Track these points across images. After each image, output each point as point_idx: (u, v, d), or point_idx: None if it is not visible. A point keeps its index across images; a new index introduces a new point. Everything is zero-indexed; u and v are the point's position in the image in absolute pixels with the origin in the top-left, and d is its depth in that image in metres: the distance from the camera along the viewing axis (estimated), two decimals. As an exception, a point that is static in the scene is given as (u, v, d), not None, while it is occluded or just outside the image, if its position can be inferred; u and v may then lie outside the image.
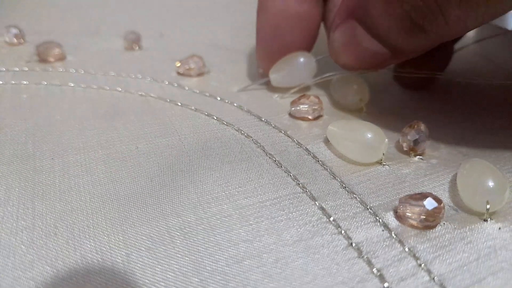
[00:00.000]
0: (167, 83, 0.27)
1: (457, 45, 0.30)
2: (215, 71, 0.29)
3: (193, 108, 0.24)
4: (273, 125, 0.23)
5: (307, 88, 0.27)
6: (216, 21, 0.41)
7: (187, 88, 0.26)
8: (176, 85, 0.27)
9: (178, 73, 0.28)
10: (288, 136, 0.22)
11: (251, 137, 0.21)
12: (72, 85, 0.26)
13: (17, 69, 0.27)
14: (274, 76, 0.26)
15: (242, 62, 0.31)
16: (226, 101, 0.25)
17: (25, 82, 0.26)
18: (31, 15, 0.39)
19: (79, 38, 0.33)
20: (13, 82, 0.26)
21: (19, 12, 0.40)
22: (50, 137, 0.21)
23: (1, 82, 0.26)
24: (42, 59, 0.29)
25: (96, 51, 0.31)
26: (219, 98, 0.25)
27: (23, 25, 0.32)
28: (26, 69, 0.27)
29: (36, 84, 0.26)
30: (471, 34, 0.36)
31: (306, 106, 0.23)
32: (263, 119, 0.23)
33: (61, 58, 0.29)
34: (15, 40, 0.31)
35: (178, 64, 0.28)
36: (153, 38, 0.34)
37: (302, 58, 0.25)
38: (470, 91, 0.29)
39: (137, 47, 0.32)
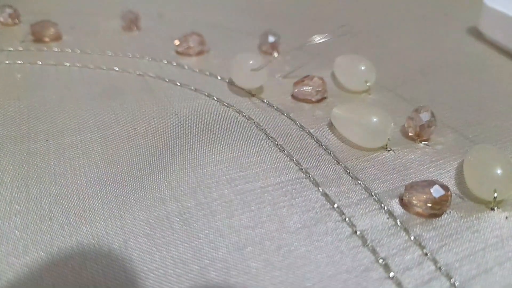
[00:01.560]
0: (165, 62, 0.26)
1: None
2: (215, 50, 0.28)
3: (192, 88, 0.23)
4: (275, 107, 0.22)
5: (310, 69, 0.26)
6: (214, 0, 0.40)
7: (186, 67, 0.26)
8: (175, 64, 0.26)
9: (177, 52, 0.28)
10: (291, 119, 0.21)
11: (253, 119, 0.21)
12: (68, 64, 0.25)
13: (12, 49, 0.26)
14: None
15: (243, 40, 0.30)
16: (227, 80, 0.24)
17: (19, 62, 0.25)
18: None
19: (76, 18, 0.32)
20: (7, 62, 0.25)
21: None
22: (45, 118, 0.20)
23: None
24: (37, 39, 0.28)
25: (93, 31, 0.30)
26: (219, 78, 0.25)
27: (18, 5, 0.31)
28: (21, 49, 0.27)
29: (31, 64, 0.25)
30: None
31: (309, 87, 0.23)
32: (265, 101, 0.23)
33: (57, 38, 0.28)
34: (9, 20, 0.30)
35: (177, 43, 0.27)
36: (152, 18, 0.33)
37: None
38: (478, 75, 0.28)
39: (136, 28, 0.31)
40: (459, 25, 0.36)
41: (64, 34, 0.29)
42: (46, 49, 0.27)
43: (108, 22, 0.31)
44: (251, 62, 0.23)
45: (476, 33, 0.34)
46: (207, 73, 0.25)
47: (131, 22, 0.31)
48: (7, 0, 0.32)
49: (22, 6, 0.32)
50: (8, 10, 0.30)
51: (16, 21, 0.30)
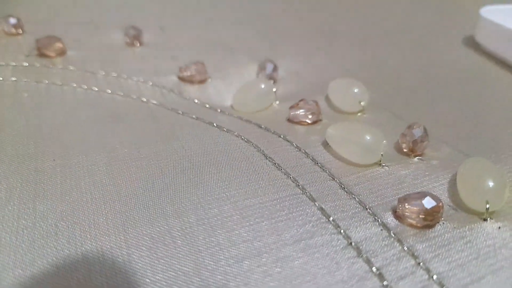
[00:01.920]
0: (168, 90, 0.27)
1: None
2: (215, 77, 0.29)
3: (194, 116, 0.24)
4: (272, 131, 0.23)
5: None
6: (217, 15, 0.41)
7: (187, 98, 0.26)
8: (177, 92, 0.27)
9: (180, 78, 0.28)
10: (287, 141, 0.22)
11: (251, 142, 0.22)
12: (74, 85, 0.26)
13: (17, 63, 0.27)
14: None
15: (242, 65, 0.31)
16: (226, 113, 0.25)
17: (25, 80, 0.26)
18: (29, 5, 0.38)
19: (79, 30, 0.33)
20: (13, 79, 0.26)
21: (17, 2, 0.39)
22: (51, 138, 0.21)
23: (0, 78, 0.26)
24: (42, 54, 0.28)
25: (97, 46, 0.31)
26: (219, 110, 0.25)
27: (21, 15, 0.32)
28: (26, 64, 0.27)
29: (37, 82, 0.26)
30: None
31: (304, 110, 0.23)
32: (262, 126, 0.23)
33: (62, 53, 0.29)
34: (13, 30, 0.30)
35: (180, 72, 0.28)
36: (154, 32, 0.34)
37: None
38: (470, 90, 0.28)
39: (138, 43, 0.32)
40: (456, 36, 0.37)
41: (69, 49, 0.29)
42: (51, 66, 0.27)
43: (111, 34, 0.32)
44: (263, 86, 0.25)
45: (473, 44, 0.34)
46: (207, 106, 0.26)
47: (134, 38, 0.31)
48: (10, 10, 0.33)
49: (26, 16, 0.32)
50: (12, 20, 0.30)
51: (20, 31, 0.30)
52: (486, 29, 0.32)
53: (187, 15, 0.40)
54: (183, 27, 0.37)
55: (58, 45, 0.29)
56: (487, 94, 0.28)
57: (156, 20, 0.37)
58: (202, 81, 0.29)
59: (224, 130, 0.23)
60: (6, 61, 0.27)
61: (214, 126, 0.23)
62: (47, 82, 0.26)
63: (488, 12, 0.32)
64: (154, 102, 0.25)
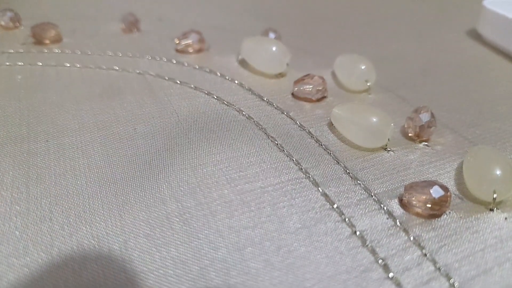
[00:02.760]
0: (165, 60, 0.26)
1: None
2: (215, 48, 0.28)
3: (192, 86, 0.23)
4: (275, 106, 0.22)
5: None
6: (215, 2, 0.40)
7: (186, 64, 0.26)
8: (175, 61, 0.26)
9: (177, 50, 0.28)
10: (291, 118, 0.21)
11: (253, 119, 0.21)
12: (68, 65, 0.25)
13: (12, 51, 0.26)
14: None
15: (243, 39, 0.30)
16: (227, 77, 0.24)
17: (20, 63, 0.25)
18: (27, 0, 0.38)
19: (76, 21, 0.32)
20: (8, 64, 0.25)
21: None
22: (45, 119, 0.20)
23: None
24: (38, 41, 0.28)
25: (94, 33, 0.30)
26: (219, 74, 0.25)
27: (19, 9, 0.31)
28: (22, 51, 0.26)
29: (31, 65, 0.25)
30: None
31: (310, 86, 0.23)
32: (265, 99, 0.23)
33: (57, 40, 0.28)
34: (10, 24, 0.30)
35: (177, 41, 0.27)
36: (152, 22, 0.33)
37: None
38: (473, 79, 0.28)
39: (136, 30, 0.31)
40: (459, 27, 0.36)
41: (65, 37, 0.29)
42: (46, 51, 0.27)
43: (108, 25, 0.31)
44: (274, 49, 0.25)
45: (475, 35, 0.34)
46: (207, 69, 0.25)
47: (131, 24, 0.31)
48: (8, 4, 0.32)
49: (23, 10, 0.32)
50: (9, 14, 0.30)
51: (17, 24, 0.30)
52: (489, 20, 0.32)
53: (186, 6, 0.39)
54: (181, 18, 0.35)
55: (54, 31, 0.28)
56: (490, 83, 0.28)
57: (154, 11, 0.36)
58: (201, 50, 0.28)
59: (224, 103, 0.22)
60: (2, 50, 0.26)
61: (214, 98, 0.22)
62: (41, 64, 0.25)
63: (491, 3, 0.32)
64: (151, 73, 0.24)
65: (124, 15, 0.31)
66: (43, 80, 0.23)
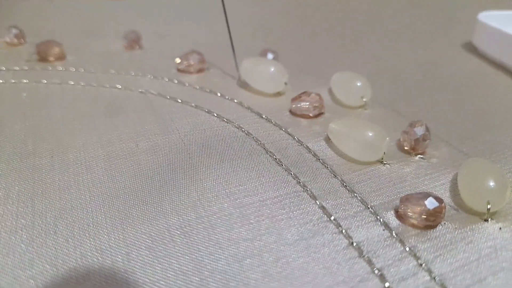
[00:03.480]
0: (167, 80, 0.27)
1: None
2: (215, 68, 0.29)
3: (193, 105, 0.24)
4: (273, 123, 0.23)
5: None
6: (216, 20, 0.41)
7: (187, 85, 0.26)
8: (176, 81, 0.27)
9: (178, 70, 0.28)
10: (289, 134, 0.22)
11: (252, 135, 0.21)
12: (72, 83, 0.26)
13: (17, 68, 0.27)
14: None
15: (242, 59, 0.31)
16: (227, 97, 0.25)
17: (25, 81, 0.26)
18: (31, 16, 0.39)
19: (80, 39, 0.33)
20: (13, 81, 0.25)
21: (19, 14, 0.40)
22: (49, 136, 0.21)
23: (1, 81, 0.25)
24: (42, 58, 0.28)
25: (97, 51, 0.31)
26: (219, 94, 0.25)
27: (23, 26, 0.32)
28: (26, 68, 0.27)
29: (36, 83, 0.26)
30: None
31: (307, 103, 0.23)
32: (263, 116, 0.23)
33: (61, 57, 0.29)
34: (15, 40, 0.31)
35: (178, 61, 0.28)
36: (154, 39, 0.34)
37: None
38: (468, 92, 0.28)
39: (138, 47, 0.32)
40: (454, 41, 0.37)
41: (68, 54, 0.29)
42: (50, 68, 0.27)
43: (110, 42, 0.32)
44: (272, 70, 0.25)
45: (471, 48, 0.35)
46: (208, 90, 0.26)
47: (133, 42, 0.31)
48: (13, 21, 0.33)
49: (28, 27, 0.32)
50: (14, 31, 0.31)
51: (22, 41, 0.31)
52: (484, 34, 0.33)
53: (187, 23, 0.40)
54: (182, 35, 0.36)
55: (57, 49, 0.29)
56: (485, 96, 0.28)
57: (155, 28, 0.37)
58: (201, 70, 0.28)
59: (224, 121, 0.22)
60: (7, 67, 0.27)
61: (214, 115, 0.23)
62: (45, 82, 0.26)
63: (486, 17, 0.33)
64: (153, 92, 0.25)
65: (126, 32, 0.32)
66: (47, 98, 0.24)
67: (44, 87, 0.25)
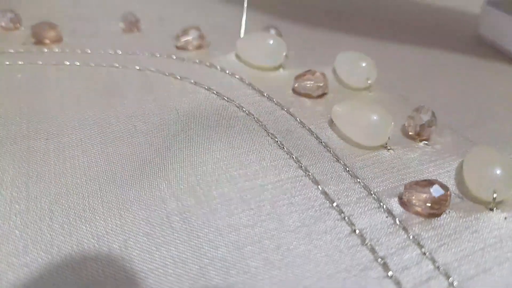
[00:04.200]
0: (165, 56, 0.26)
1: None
2: (215, 44, 0.28)
3: (192, 81, 0.23)
4: (275, 101, 0.22)
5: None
6: (216, 2, 0.40)
7: (186, 59, 0.25)
8: (174, 57, 0.26)
9: (177, 47, 0.27)
10: (291, 114, 0.21)
11: (253, 115, 0.21)
12: (68, 63, 0.25)
13: (12, 50, 0.26)
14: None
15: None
16: (227, 71, 0.24)
17: (20, 62, 0.25)
18: (28, 1, 0.37)
19: (76, 22, 0.32)
20: (8, 63, 0.25)
21: None
22: (44, 117, 0.20)
23: None
24: (38, 41, 0.27)
25: (94, 33, 0.30)
26: (219, 68, 0.24)
27: (19, 10, 0.31)
28: (22, 50, 0.26)
29: (31, 64, 0.25)
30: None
31: (311, 82, 0.23)
32: (265, 94, 0.22)
33: (58, 40, 0.28)
34: (11, 25, 0.29)
35: (177, 37, 0.27)
36: (152, 21, 0.33)
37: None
38: (474, 80, 0.28)
39: (136, 29, 0.31)
40: (460, 27, 0.36)
41: (65, 36, 0.28)
42: (46, 50, 0.27)
43: (108, 24, 0.31)
44: (271, 42, 0.25)
45: (477, 36, 0.34)
46: (207, 64, 0.25)
47: (132, 24, 0.31)
48: (8, 5, 0.32)
49: (24, 11, 0.31)
50: (10, 15, 0.29)
51: (17, 25, 0.30)
52: (490, 21, 0.33)
53: (186, 5, 0.39)
54: (181, 17, 0.35)
55: (54, 31, 0.28)
56: (491, 84, 0.28)
57: (154, 11, 0.36)
58: (201, 46, 0.28)
59: (224, 99, 0.22)
60: (1, 50, 0.26)
61: (213, 93, 0.22)
62: (41, 63, 0.25)
63: (493, 3, 0.32)
64: (151, 69, 0.24)
65: (124, 14, 0.31)
66: (43, 79, 0.23)
67: (39, 68, 0.24)
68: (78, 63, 0.25)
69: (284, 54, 0.25)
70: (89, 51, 0.27)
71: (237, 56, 0.26)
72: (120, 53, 0.27)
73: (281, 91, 0.23)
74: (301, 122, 0.21)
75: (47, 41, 0.27)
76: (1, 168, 0.17)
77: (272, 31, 0.29)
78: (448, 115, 0.23)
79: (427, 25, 0.38)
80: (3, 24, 0.29)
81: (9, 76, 0.23)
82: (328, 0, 0.41)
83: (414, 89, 0.26)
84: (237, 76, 0.24)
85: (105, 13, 0.34)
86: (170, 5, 0.38)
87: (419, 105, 0.21)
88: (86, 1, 0.38)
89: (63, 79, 0.23)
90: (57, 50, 0.27)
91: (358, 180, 0.18)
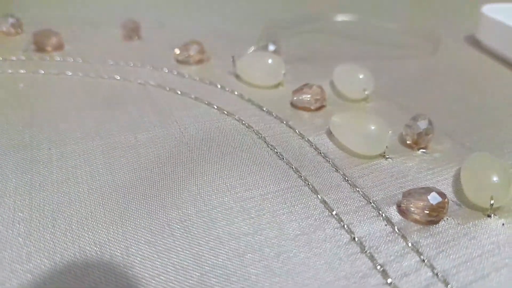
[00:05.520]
0: (166, 71, 0.26)
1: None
2: (215, 58, 0.29)
3: (193, 96, 0.24)
4: (274, 115, 0.22)
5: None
6: (216, 9, 0.41)
7: (186, 76, 0.26)
8: (175, 73, 0.26)
9: (178, 61, 0.28)
10: (290, 127, 0.22)
11: (252, 128, 0.21)
12: (70, 74, 0.25)
13: (14, 58, 0.27)
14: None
15: (243, 50, 0.31)
16: (227, 89, 0.25)
17: (22, 71, 0.25)
18: (28, 5, 0.38)
19: (78, 28, 0.32)
20: (10, 71, 0.25)
21: (16, 2, 0.39)
22: (47, 127, 0.20)
23: None
24: (40, 48, 0.28)
25: (95, 40, 0.31)
26: (219, 86, 0.25)
27: (20, 15, 0.31)
28: (23, 58, 0.27)
29: (34, 73, 0.25)
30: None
31: (308, 96, 0.23)
32: (264, 109, 0.23)
33: (59, 47, 0.28)
34: (12, 30, 0.30)
35: (178, 52, 0.28)
36: (153, 28, 0.34)
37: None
38: (472, 86, 0.28)
39: (136, 37, 0.31)
40: (457, 34, 0.37)
41: (66, 43, 0.29)
42: (48, 58, 0.27)
43: (109, 31, 0.32)
44: (270, 61, 0.25)
45: (474, 42, 0.35)
46: (207, 81, 0.25)
47: (132, 31, 0.31)
48: (9, 10, 0.32)
49: (25, 16, 0.32)
50: (11, 20, 0.30)
51: (19, 30, 0.30)
52: (487, 27, 0.33)
53: (186, 12, 0.39)
54: (182, 24, 0.36)
55: (55, 39, 0.28)
56: (489, 90, 0.28)
57: (155, 17, 0.36)
58: (201, 61, 0.28)
59: (224, 113, 0.22)
60: (4, 57, 0.26)
61: (214, 108, 0.23)
62: (43, 72, 0.25)
63: (490, 10, 0.33)
64: (152, 83, 0.25)
65: (124, 21, 0.31)
66: (45, 88, 0.24)
67: (41, 78, 0.25)
68: (80, 74, 0.25)
69: (283, 72, 0.25)
70: (91, 61, 0.27)
71: (237, 75, 0.26)
72: (121, 64, 0.27)
73: (280, 106, 0.23)
74: (300, 134, 0.21)
75: (48, 48, 0.28)
76: (4, 176, 0.17)
77: (271, 47, 0.29)
78: (445, 123, 0.23)
79: (422, 33, 0.38)
80: (4, 29, 0.29)
81: (12, 86, 0.24)
82: (324, 13, 0.42)
83: (412, 97, 0.26)
84: (236, 93, 0.24)
85: (106, 18, 0.35)
86: (170, 11, 0.39)
87: (416, 113, 0.21)
88: (87, 6, 0.38)
89: (65, 90, 0.24)
90: (58, 59, 0.27)
91: (357, 189, 0.18)
